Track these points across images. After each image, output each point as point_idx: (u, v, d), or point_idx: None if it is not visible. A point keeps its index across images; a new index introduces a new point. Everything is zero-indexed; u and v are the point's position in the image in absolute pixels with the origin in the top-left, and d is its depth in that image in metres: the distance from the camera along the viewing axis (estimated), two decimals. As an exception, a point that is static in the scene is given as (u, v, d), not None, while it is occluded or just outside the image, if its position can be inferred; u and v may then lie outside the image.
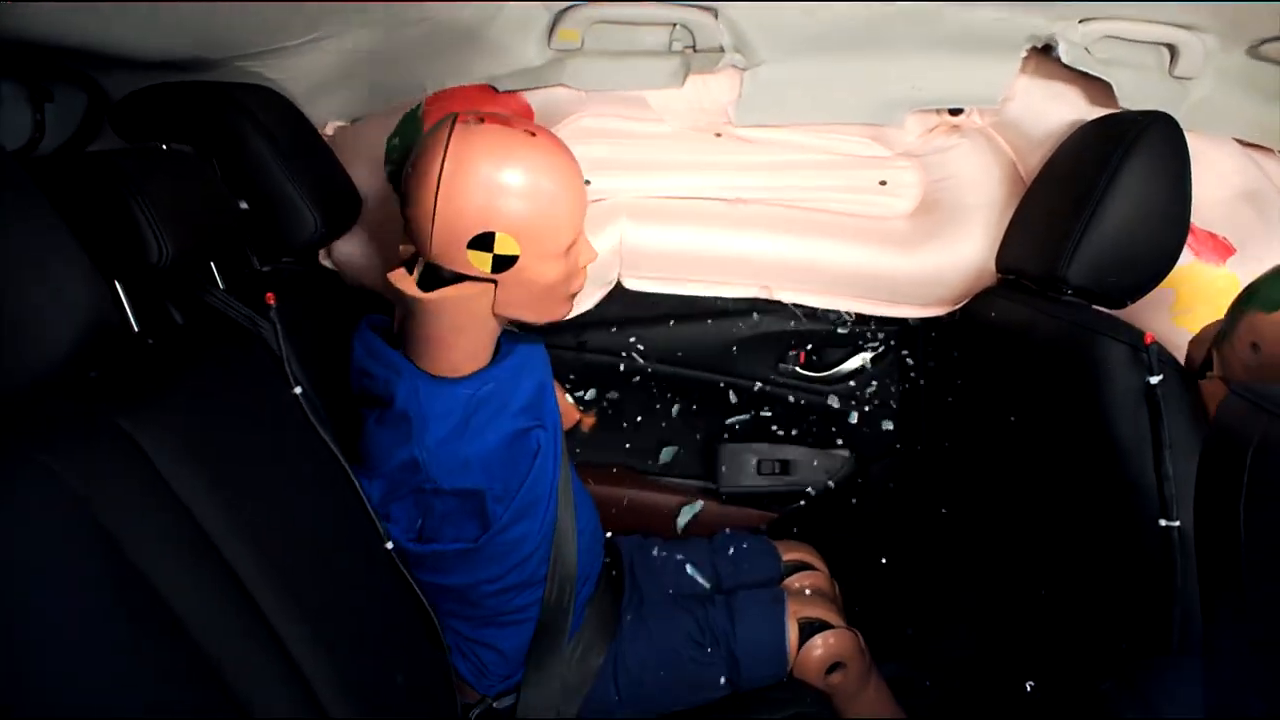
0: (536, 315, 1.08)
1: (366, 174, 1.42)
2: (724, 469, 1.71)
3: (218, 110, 1.17)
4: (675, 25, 1.36)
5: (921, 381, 1.62)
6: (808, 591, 1.43)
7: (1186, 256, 1.28)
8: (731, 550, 1.48)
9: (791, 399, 1.70)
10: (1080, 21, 1.30)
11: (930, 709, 1.43)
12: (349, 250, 1.45)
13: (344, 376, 1.15)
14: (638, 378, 1.68)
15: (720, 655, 1.27)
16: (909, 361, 1.66)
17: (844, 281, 1.53)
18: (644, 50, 1.40)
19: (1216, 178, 1.38)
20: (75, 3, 0.93)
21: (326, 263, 1.47)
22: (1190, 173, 1.18)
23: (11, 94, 1.11)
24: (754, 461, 1.71)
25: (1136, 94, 1.32)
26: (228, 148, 1.19)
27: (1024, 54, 1.34)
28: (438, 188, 0.94)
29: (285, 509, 0.94)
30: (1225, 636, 0.71)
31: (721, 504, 1.73)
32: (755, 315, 1.64)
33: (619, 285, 1.54)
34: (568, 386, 1.63)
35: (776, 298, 1.57)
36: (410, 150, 1.38)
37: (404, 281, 1.01)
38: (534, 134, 0.98)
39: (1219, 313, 1.31)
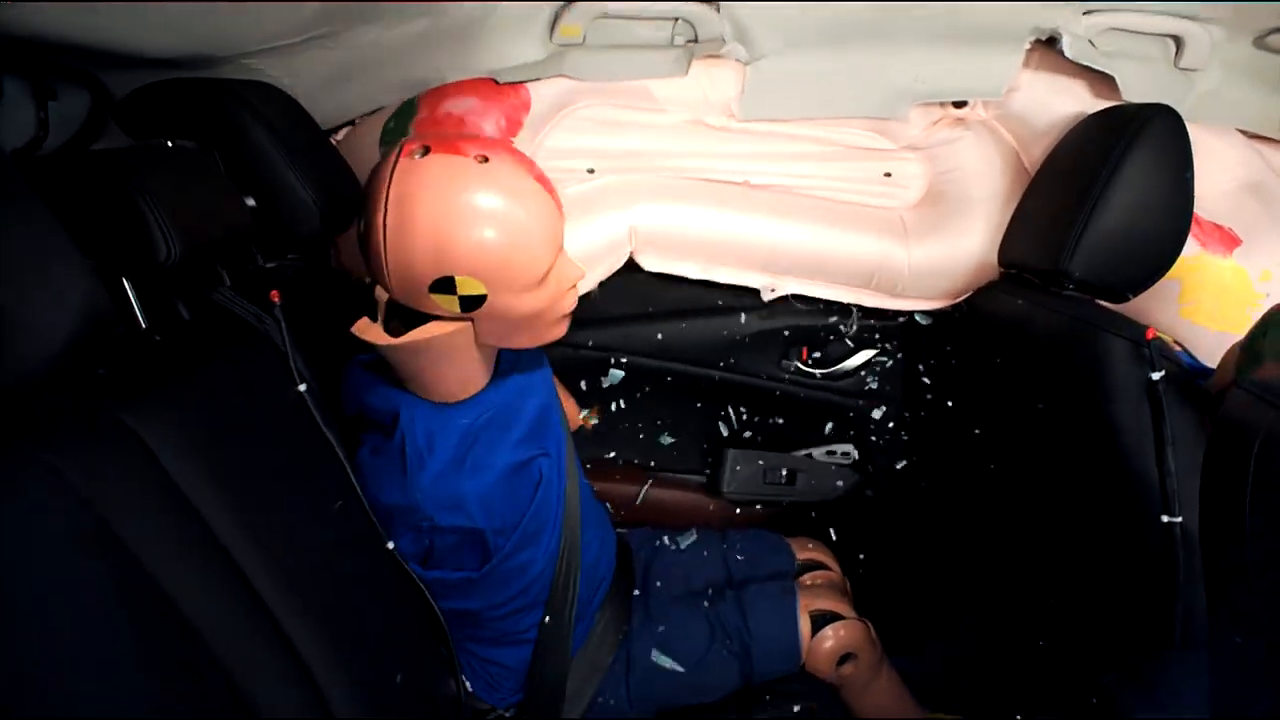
0: (527, 342, 1.01)
1: (367, 164, 1.41)
2: (728, 474, 1.71)
3: (220, 104, 1.17)
4: (677, 20, 1.36)
5: (925, 377, 1.62)
6: (819, 583, 1.43)
7: (1192, 248, 1.28)
8: (743, 546, 1.47)
9: (794, 395, 1.70)
10: (1084, 14, 1.29)
11: (935, 701, 1.43)
12: (356, 249, 1.44)
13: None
14: (640, 375, 1.68)
15: (733, 651, 1.27)
16: (912, 357, 1.66)
17: (848, 271, 1.53)
18: (646, 43, 1.39)
19: (1221, 169, 1.37)
20: (78, 2, 0.93)
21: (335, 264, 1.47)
22: (1192, 166, 1.17)
23: (15, 92, 1.11)
24: (760, 469, 1.72)
25: (1141, 86, 1.32)
26: (230, 142, 1.19)
27: (1028, 46, 1.34)
28: (385, 235, 0.87)
29: (290, 507, 0.94)
30: (1230, 629, 0.71)
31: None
32: (758, 311, 1.63)
33: (621, 281, 1.54)
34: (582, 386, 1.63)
35: (782, 292, 1.56)
36: (406, 135, 1.39)
37: (369, 333, 0.95)
38: (487, 158, 0.87)
39: (1225, 304, 1.32)
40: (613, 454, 1.73)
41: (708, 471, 1.76)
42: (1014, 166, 1.47)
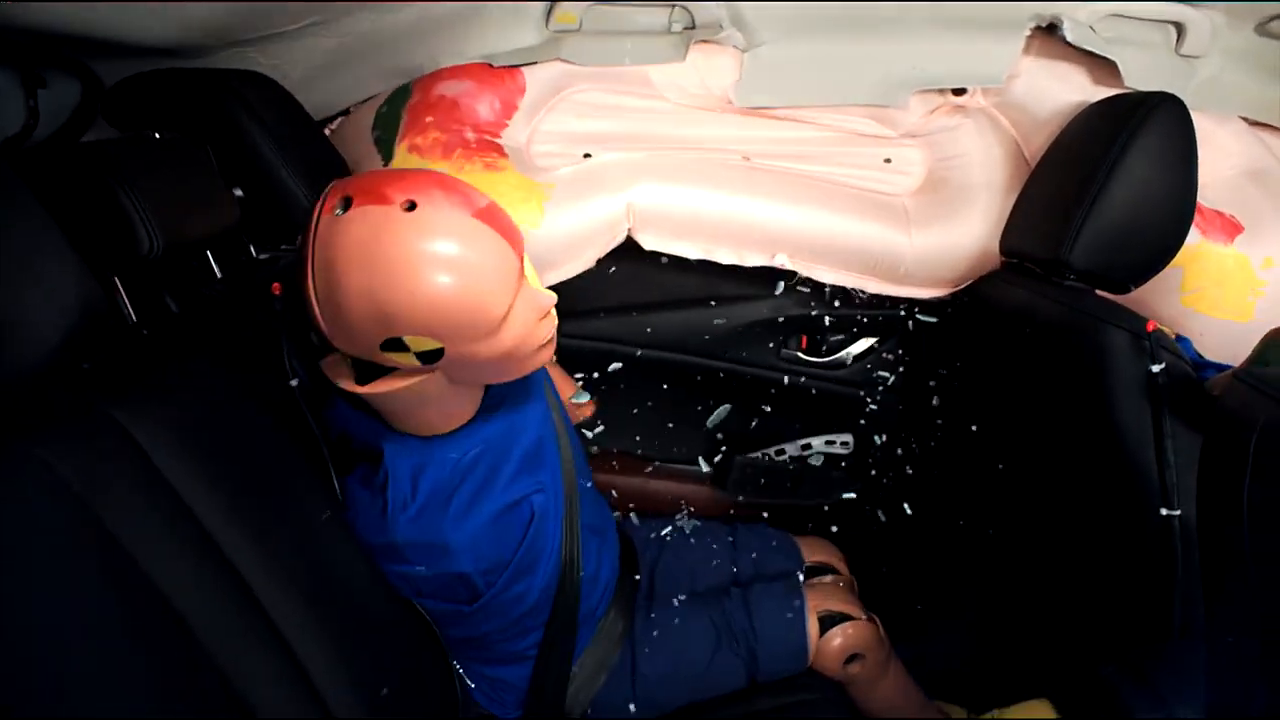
0: (507, 377, 0.94)
1: (360, 150, 1.41)
2: (734, 482, 1.71)
3: (211, 96, 1.16)
4: (674, 6, 1.35)
5: (924, 366, 1.61)
6: (827, 583, 1.41)
7: (1194, 235, 1.27)
8: (751, 545, 1.45)
9: (793, 384, 1.69)
10: (1086, -1, 1.28)
11: (935, 690, 1.44)
12: None
13: None
14: (638, 364, 1.67)
15: (739, 654, 1.26)
16: (911, 345, 1.66)
17: (849, 255, 1.51)
18: (643, 30, 1.38)
19: (1223, 156, 1.37)
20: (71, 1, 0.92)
21: None
22: (1196, 157, 1.16)
23: (5, 81, 1.10)
24: (765, 475, 1.72)
25: (1142, 73, 1.31)
26: (221, 134, 1.18)
27: (1028, 33, 1.33)
28: (317, 303, 0.81)
29: (282, 502, 0.94)
30: (1228, 620, 0.71)
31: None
32: (757, 300, 1.63)
33: (618, 270, 1.53)
34: (579, 380, 1.62)
35: (782, 265, 1.54)
36: (399, 118, 1.37)
37: (337, 374, 0.90)
38: (414, 204, 0.77)
39: (1227, 292, 1.32)
40: (613, 444, 1.73)
41: (710, 469, 1.76)
42: (1014, 154, 1.46)
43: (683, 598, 1.33)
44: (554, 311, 0.94)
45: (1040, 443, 1.23)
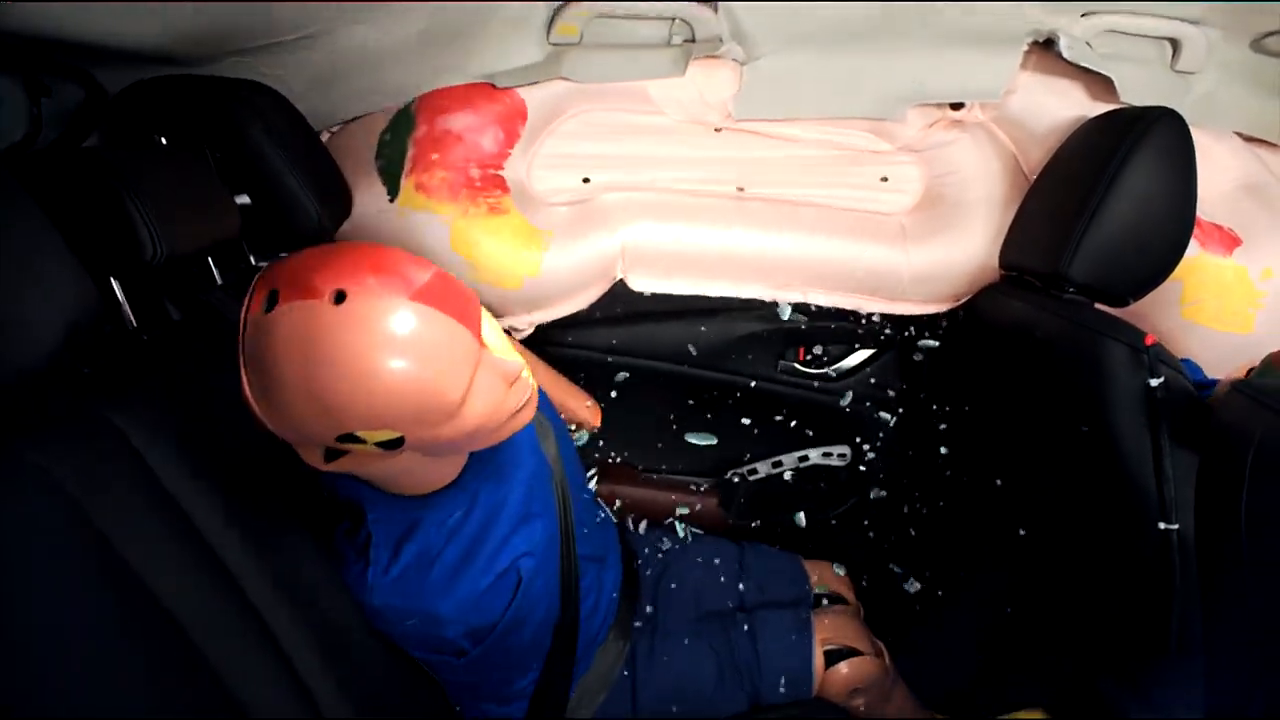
0: (482, 446, 0.87)
1: (360, 171, 1.41)
2: (738, 508, 1.73)
3: (217, 103, 1.17)
4: (674, 19, 1.36)
5: (922, 378, 1.62)
6: (835, 612, 1.39)
7: (1193, 248, 1.28)
8: (759, 569, 1.44)
9: (790, 395, 1.69)
10: (1082, 15, 1.29)
11: (933, 704, 1.43)
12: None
13: None
14: (635, 375, 1.67)
15: (743, 685, 1.25)
16: (909, 357, 1.66)
17: (846, 279, 1.52)
18: (643, 43, 1.39)
19: (1219, 170, 1.38)
20: (73, 1, 0.92)
21: None
22: (1195, 171, 1.17)
23: (8, 89, 1.10)
24: (768, 499, 1.74)
25: (1138, 89, 1.32)
26: (227, 140, 1.18)
27: (1025, 48, 1.33)
28: (254, 404, 0.74)
29: (277, 508, 0.94)
30: (1226, 633, 0.71)
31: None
32: (754, 312, 1.63)
33: (620, 283, 1.53)
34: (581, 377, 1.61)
35: (779, 300, 1.56)
36: (404, 149, 1.38)
37: (304, 450, 0.82)
38: (344, 294, 0.69)
39: (1227, 304, 1.32)
40: (613, 454, 1.72)
41: (711, 485, 1.76)
42: (1012, 169, 1.47)
43: (687, 620, 1.31)
44: (526, 374, 0.86)
45: (1039, 455, 1.23)
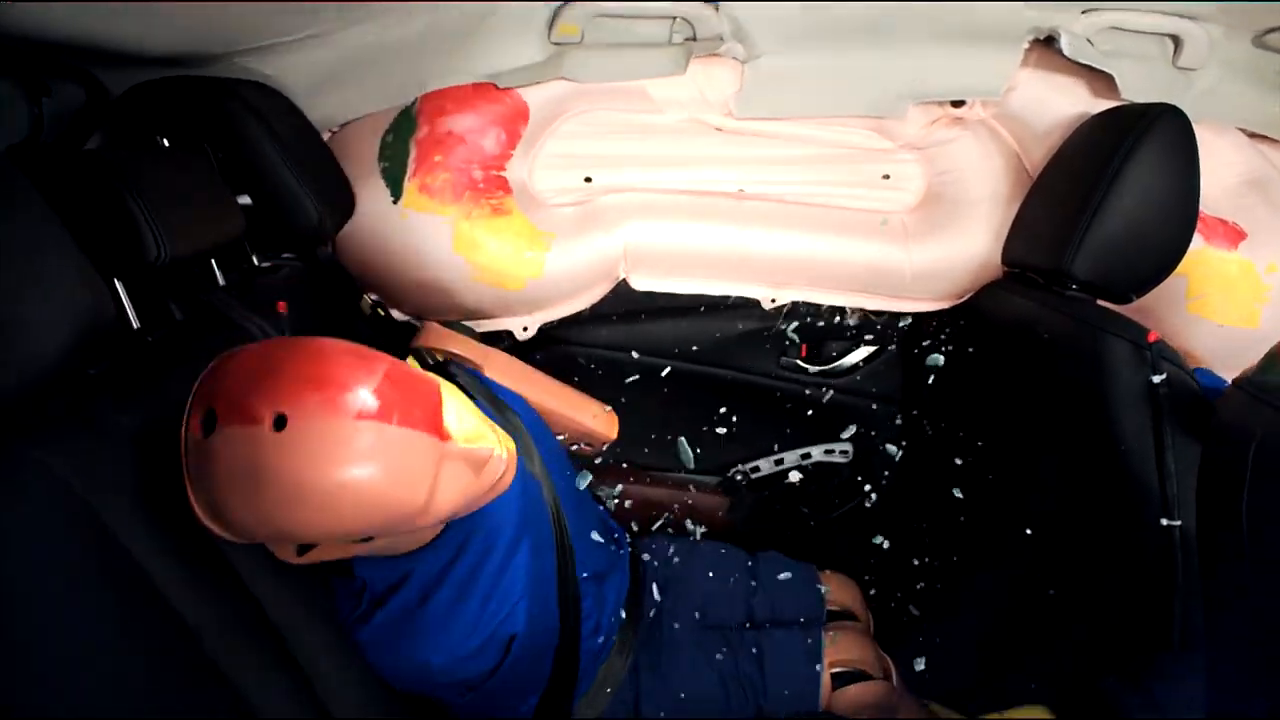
0: (468, 511, 0.83)
1: (362, 173, 1.41)
2: (744, 515, 1.73)
3: (219, 103, 1.17)
4: (675, 18, 1.36)
5: (924, 375, 1.62)
6: (845, 630, 1.36)
7: (1197, 242, 1.28)
8: (770, 581, 1.40)
9: (792, 392, 1.69)
10: (1083, 13, 1.29)
11: (934, 699, 1.43)
12: (351, 249, 1.44)
13: None
14: (638, 373, 1.68)
15: (747, 706, 1.23)
16: (911, 354, 1.66)
17: (848, 277, 1.52)
18: (644, 42, 1.39)
19: (1223, 165, 1.38)
20: (74, 1, 0.92)
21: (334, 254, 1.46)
22: (1198, 168, 1.17)
23: (9, 90, 1.11)
24: (772, 504, 1.74)
25: (1139, 85, 1.32)
26: (229, 141, 1.18)
27: (1026, 45, 1.33)
28: (207, 520, 0.71)
29: None
30: (1227, 630, 0.71)
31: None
32: (756, 310, 1.63)
33: (623, 283, 1.54)
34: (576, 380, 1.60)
35: (781, 300, 1.56)
36: (407, 151, 1.38)
37: (272, 547, 0.81)
38: (285, 419, 0.66)
39: (1232, 298, 1.32)
40: (616, 453, 1.73)
41: (719, 482, 1.76)
42: (1013, 166, 1.47)
43: (691, 637, 1.29)
44: (499, 450, 0.82)
45: (1041, 452, 1.23)
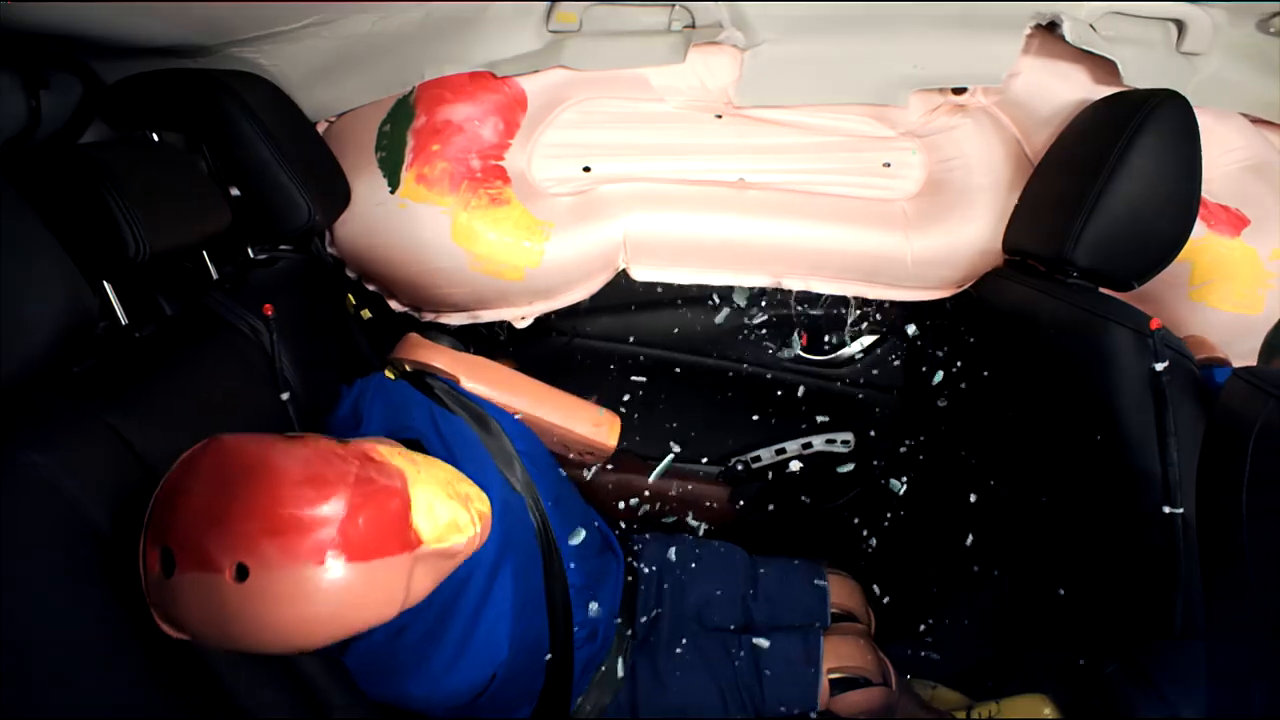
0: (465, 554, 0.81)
1: (359, 163, 1.41)
2: (744, 504, 1.72)
3: (208, 96, 1.16)
4: (674, 5, 1.35)
5: (925, 364, 1.61)
6: (846, 633, 1.36)
7: (1200, 229, 1.28)
8: (772, 581, 1.40)
9: (793, 382, 1.69)
10: (1085, -3, 1.28)
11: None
12: (348, 241, 1.44)
13: (333, 377, 1.15)
14: (636, 364, 1.67)
15: (745, 709, 1.23)
16: (913, 343, 1.65)
17: (849, 266, 1.52)
18: (643, 30, 1.38)
19: (1225, 151, 1.37)
20: (73, 1, 0.92)
21: (331, 250, 1.46)
22: (1200, 154, 1.16)
23: (7, 81, 1.10)
24: (773, 494, 1.74)
25: (1142, 71, 1.31)
26: (218, 134, 1.18)
27: (1028, 32, 1.32)
28: (176, 634, 0.69)
29: None
30: (1227, 619, 0.71)
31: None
32: (756, 299, 1.63)
33: (622, 273, 1.53)
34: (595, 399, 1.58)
35: (783, 285, 1.56)
36: (404, 140, 1.37)
37: None
38: (247, 570, 0.63)
39: (1236, 285, 1.32)
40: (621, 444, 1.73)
41: (720, 472, 1.76)
42: (1014, 153, 1.46)
43: (689, 640, 1.29)
44: (472, 529, 0.79)
45: (1043, 440, 1.23)
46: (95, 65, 1.20)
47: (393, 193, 1.37)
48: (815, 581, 1.41)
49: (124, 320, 0.97)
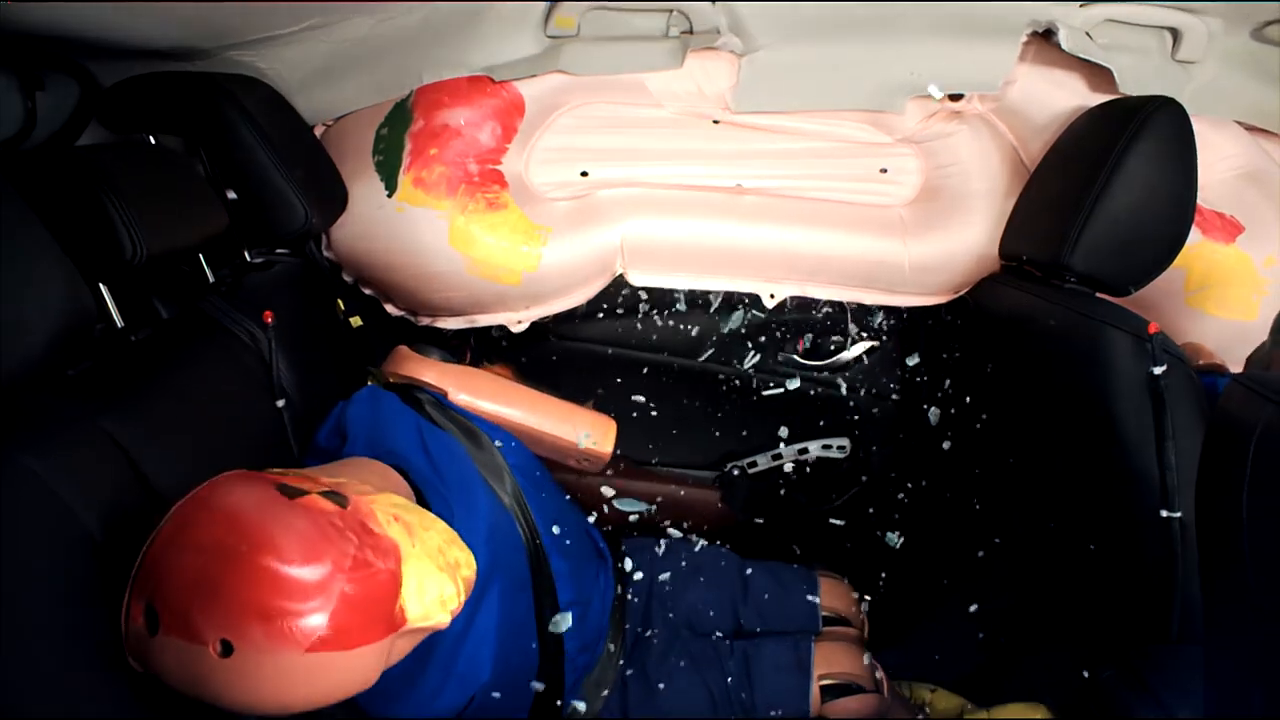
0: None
1: (357, 166, 1.41)
2: (741, 502, 1.71)
3: (205, 99, 1.16)
4: (672, 11, 1.35)
5: (922, 370, 1.61)
6: (838, 638, 1.35)
7: (1195, 235, 1.29)
8: (763, 586, 1.39)
9: (791, 387, 1.69)
10: (1081, 6, 1.28)
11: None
12: (345, 244, 1.44)
13: (329, 383, 1.15)
14: (632, 369, 1.67)
15: (735, 715, 1.22)
16: (909, 349, 1.66)
17: (846, 272, 1.52)
18: (641, 35, 1.38)
19: (1220, 159, 1.38)
20: (74, 1, 0.92)
21: (328, 254, 1.45)
22: (1196, 160, 1.17)
23: (3, 83, 1.10)
24: (771, 493, 1.73)
25: (1138, 79, 1.31)
26: (216, 137, 1.18)
27: (1024, 39, 1.33)
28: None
29: None
30: (1227, 623, 0.70)
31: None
32: (754, 305, 1.63)
33: (619, 277, 1.53)
34: (591, 403, 1.56)
35: (777, 297, 1.56)
36: (402, 144, 1.37)
37: None
38: (231, 647, 0.62)
39: (1231, 291, 1.33)
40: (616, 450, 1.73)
41: (716, 477, 1.76)
42: (1011, 160, 1.47)
43: (679, 647, 1.28)
44: (456, 603, 0.77)
45: (1041, 444, 1.23)
46: (92, 68, 1.19)
47: (390, 196, 1.37)
48: (806, 586, 1.41)
49: (120, 323, 0.97)
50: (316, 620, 0.63)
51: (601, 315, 1.63)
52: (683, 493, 1.71)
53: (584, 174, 1.49)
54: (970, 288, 1.48)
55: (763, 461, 1.74)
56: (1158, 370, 1.00)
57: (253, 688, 0.63)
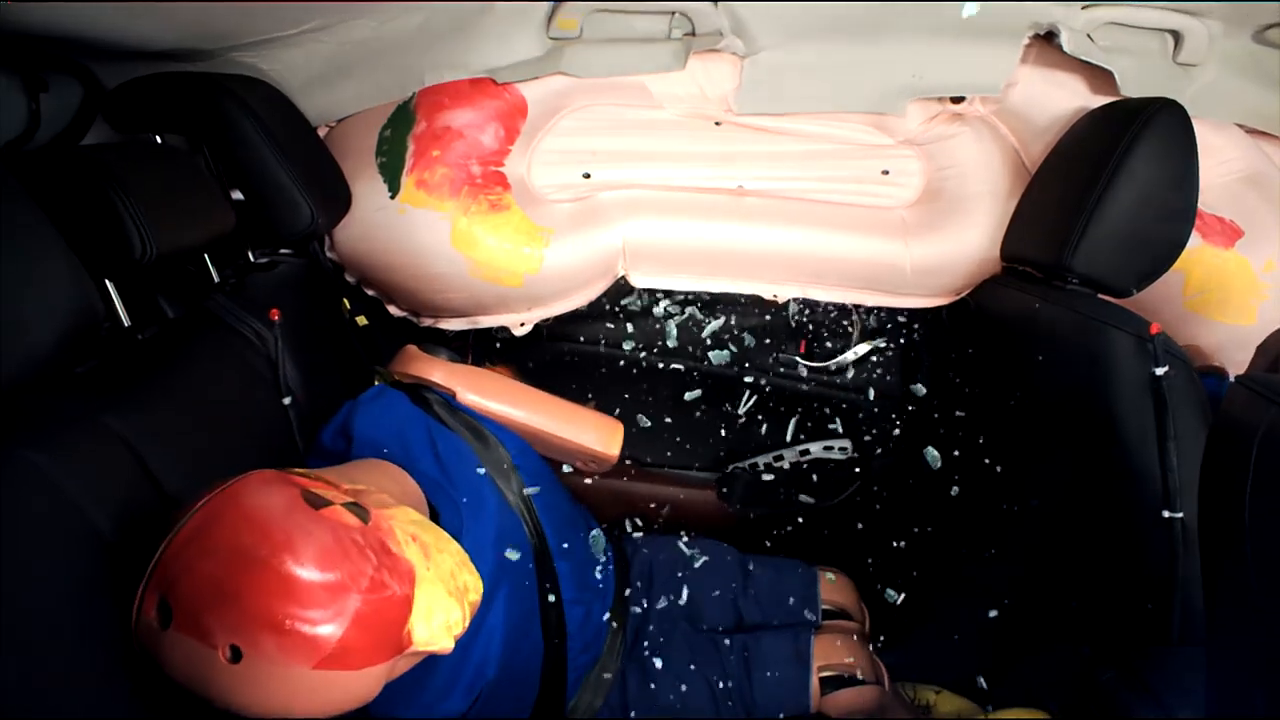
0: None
1: (360, 168, 1.41)
2: (739, 497, 1.71)
3: (211, 100, 1.16)
4: (674, 13, 1.35)
5: (923, 371, 1.62)
6: (838, 632, 1.35)
7: (1194, 239, 1.28)
8: (764, 581, 1.39)
9: (791, 389, 1.69)
10: (1083, 8, 1.29)
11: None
12: (347, 245, 1.44)
13: (333, 383, 1.15)
14: (635, 370, 1.67)
15: (735, 709, 1.23)
16: (911, 350, 1.66)
17: (848, 273, 1.52)
18: (643, 37, 1.38)
19: (1220, 162, 1.38)
20: (75, 1, 0.92)
21: (331, 254, 1.46)
22: (1197, 162, 1.17)
23: (6, 84, 1.10)
24: (769, 487, 1.72)
25: (1139, 81, 1.32)
26: (221, 138, 1.18)
27: (1026, 41, 1.33)
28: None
29: None
30: (1228, 625, 0.71)
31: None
32: (755, 306, 1.63)
33: (622, 279, 1.53)
34: (591, 398, 1.56)
35: (780, 297, 1.56)
36: (405, 146, 1.37)
37: None
38: (240, 653, 0.63)
39: (1230, 296, 1.33)
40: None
41: (717, 478, 1.76)
42: (1012, 162, 1.47)
43: (680, 642, 1.29)
44: (460, 625, 0.77)
45: (1042, 445, 1.23)
46: (95, 69, 1.19)
47: (393, 198, 1.37)
48: (806, 580, 1.42)
49: (126, 321, 0.97)
50: (327, 637, 0.64)
51: (602, 317, 1.63)
52: (684, 494, 1.71)
53: (586, 176, 1.49)
54: (972, 289, 1.48)
55: (764, 462, 1.74)
56: (1159, 371, 1.00)
57: (256, 696, 0.64)
